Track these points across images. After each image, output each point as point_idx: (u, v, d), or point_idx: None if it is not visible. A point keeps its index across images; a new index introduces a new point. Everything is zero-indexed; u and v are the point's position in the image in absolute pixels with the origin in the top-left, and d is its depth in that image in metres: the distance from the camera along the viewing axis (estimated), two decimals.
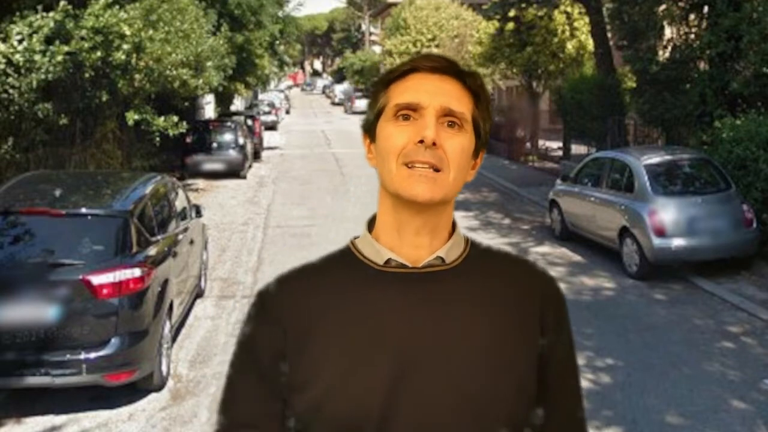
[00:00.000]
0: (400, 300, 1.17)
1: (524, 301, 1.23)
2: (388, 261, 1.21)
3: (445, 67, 1.21)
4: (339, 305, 1.19)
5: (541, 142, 21.19)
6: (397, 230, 1.21)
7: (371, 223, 1.27)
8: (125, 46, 9.98)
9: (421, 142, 1.14)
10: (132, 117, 11.47)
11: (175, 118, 11.95)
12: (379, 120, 1.21)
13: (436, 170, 1.15)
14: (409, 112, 1.17)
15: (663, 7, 12.55)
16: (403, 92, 1.19)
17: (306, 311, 1.19)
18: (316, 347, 1.17)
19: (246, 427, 1.19)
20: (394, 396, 1.12)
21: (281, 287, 1.24)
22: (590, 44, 18.64)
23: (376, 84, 1.25)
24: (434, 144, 1.14)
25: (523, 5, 19.43)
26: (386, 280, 1.20)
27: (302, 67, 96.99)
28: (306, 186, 17.36)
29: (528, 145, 21.51)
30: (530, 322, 1.22)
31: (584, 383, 5.67)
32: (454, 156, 1.16)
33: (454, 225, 1.27)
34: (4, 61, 8.49)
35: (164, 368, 5.87)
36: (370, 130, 1.24)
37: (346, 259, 1.25)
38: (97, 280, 5.18)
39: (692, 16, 12.46)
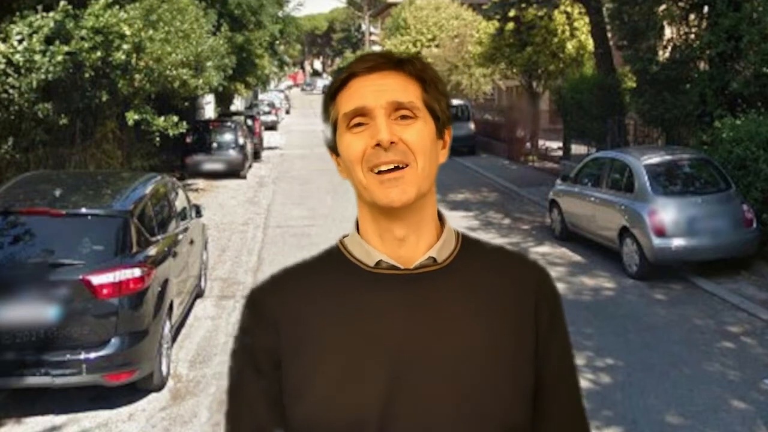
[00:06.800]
0: (394, 303, 1.16)
1: (519, 297, 1.21)
2: (379, 263, 1.19)
3: (381, 63, 1.18)
4: (332, 310, 1.17)
5: (541, 142, 21.17)
6: (380, 236, 1.20)
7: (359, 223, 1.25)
8: (125, 46, 9.98)
9: (379, 145, 1.13)
10: (132, 117, 11.47)
11: (175, 118, 11.94)
12: (337, 134, 1.20)
13: (404, 166, 1.14)
14: (359, 119, 1.16)
15: (663, 7, 12.54)
16: (348, 101, 1.17)
17: (299, 317, 1.18)
18: (310, 354, 1.15)
19: None
20: (391, 401, 1.11)
21: (273, 290, 1.22)
22: (590, 44, 18.65)
23: (324, 99, 1.23)
24: (393, 143, 1.13)
25: (523, 5, 19.42)
26: (379, 282, 1.18)
27: (302, 67, 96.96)
28: (306, 186, 17.36)
29: (528, 145, 21.49)
30: (525, 319, 1.20)
31: (584, 383, 5.72)
32: (416, 144, 1.15)
33: (443, 220, 1.25)
34: (4, 61, 8.49)
35: (164, 368, 5.87)
36: (333, 146, 1.23)
37: (337, 260, 1.23)
38: (97, 280, 5.18)
39: (692, 16, 12.46)
